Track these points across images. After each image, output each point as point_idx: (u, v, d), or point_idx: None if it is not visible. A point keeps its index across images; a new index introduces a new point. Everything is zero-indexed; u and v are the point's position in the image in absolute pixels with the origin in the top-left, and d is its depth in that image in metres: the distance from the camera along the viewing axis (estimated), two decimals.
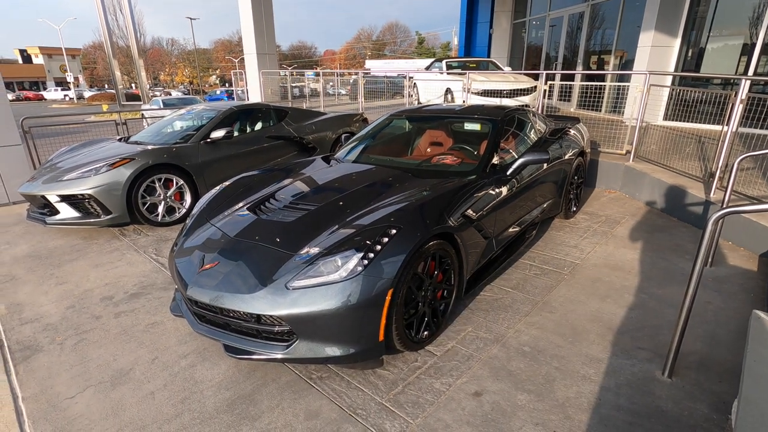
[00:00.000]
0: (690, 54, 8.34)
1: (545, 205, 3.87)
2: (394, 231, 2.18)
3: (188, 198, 4.75)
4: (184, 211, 4.73)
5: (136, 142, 5.10)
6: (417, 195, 2.58)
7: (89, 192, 4.14)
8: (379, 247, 2.10)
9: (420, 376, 2.24)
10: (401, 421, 1.95)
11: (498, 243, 3.15)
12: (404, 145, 3.93)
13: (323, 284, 2.01)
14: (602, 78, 9.46)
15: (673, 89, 6.87)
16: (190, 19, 44.66)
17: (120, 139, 5.42)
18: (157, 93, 45.14)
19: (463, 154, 3.46)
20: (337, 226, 2.33)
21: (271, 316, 2.05)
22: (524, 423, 1.92)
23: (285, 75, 12.29)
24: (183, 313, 2.46)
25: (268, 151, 5.52)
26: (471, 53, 16.57)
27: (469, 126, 3.64)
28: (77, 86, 51.18)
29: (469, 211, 2.67)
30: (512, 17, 14.31)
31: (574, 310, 2.81)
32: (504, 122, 3.46)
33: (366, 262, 2.05)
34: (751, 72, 7.33)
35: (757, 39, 7.29)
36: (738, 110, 4.11)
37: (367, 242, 2.12)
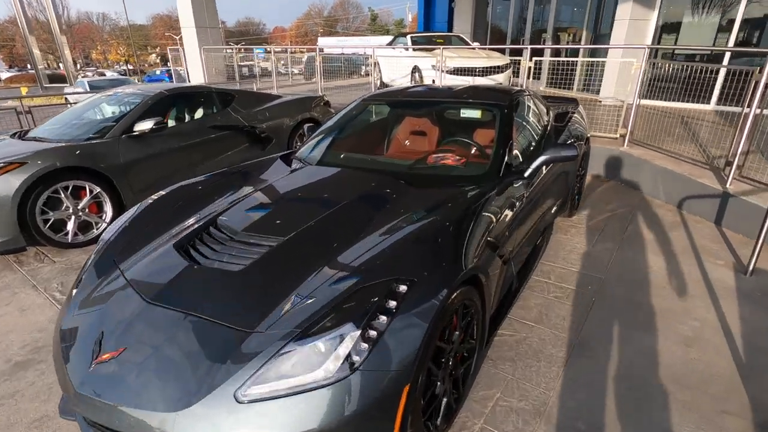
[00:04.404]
0: (667, 28, 8.00)
1: (556, 207, 3.25)
2: (404, 288, 1.42)
3: (109, 210, 3.73)
4: (104, 225, 3.72)
5: (34, 139, 3.97)
6: (423, 219, 1.83)
7: None
8: (384, 319, 1.34)
9: None
10: None
11: (516, 265, 2.47)
12: (386, 140, 3.14)
13: (298, 392, 1.23)
14: (591, 52, 8.99)
15: (664, 64, 6.39)
16: None
17: (13, 135, 4.23)
18: (89, 73, 40.85)
19: (466, 151, 2.73)
20: (312, 278, 1.53)
21: None
22: None
23: (231, 52, 10.96)
24: (77, 419, 1.60)
25: (211, 144, 4.53)
26: (430, 28, 15.74)
27: (469, 113, 2.90)
28: None
29: (491, 235, 1.96)
30: None
31: (620, 355, 2.20)
32: (513, 108, 2.75)
33: (366, 346, 1.29)
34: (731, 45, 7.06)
35: (736, 13, 6.99)
36: (760, 89, 3.58)
37: (364, 311, 1.35)
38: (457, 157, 2.53)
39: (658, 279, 2.89)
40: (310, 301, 1.42)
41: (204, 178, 2.51)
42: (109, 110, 4.37)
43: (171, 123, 4.42)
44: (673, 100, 6.37)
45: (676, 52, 8.27)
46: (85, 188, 3.58)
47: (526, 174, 2.47)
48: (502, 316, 2.33)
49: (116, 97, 4.54)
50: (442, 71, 6.72)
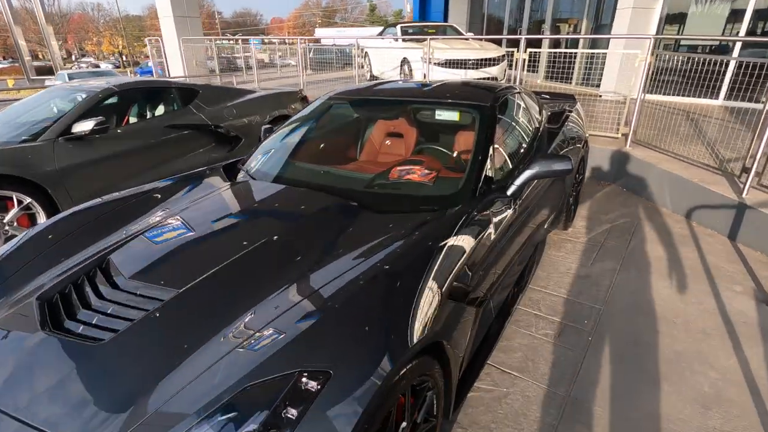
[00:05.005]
0: (672, 18, 7.51)
1: (548, 224, 2.81)
2: (314, 385, 0.99)
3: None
4: None
5: None
6: (365, 263, 1.38)
7: None
8: None
9: None
10: None
11: (496, 304, 2.04)
12: (349, 147, 2.69)
13: None
14: (591, 43, 8.50)
15: (668, 56, 5.91)
16: None
17: None
18: (83, 65, 40.12)
19: (438, 162, 2.28)
20: (191, 360, 1.09)
21: None
22: None
23: (223, 43, 10.45)
24: None
25: (167, 146, 4.08)
26: (426, 19, 15.19)
27: (445, 115, 2.45)
28: None
29: (461, 278, 1.52)
30: None
31: (623, 420, 1.77)
32: (496, 109, 2.29)
33: None
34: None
35: (747, 2, 6.49)
36: None
37: (252, 422, 0.92)
38: (426, 171, 2.08)
39: (667, 311, 2.46)
40: (177, 405, 0.99)
41: (116, 197, 2.06)
42: (52, 108, 3.91)
43: (120, 122, 3.97)
44: (678, 95, 5.90)
45: (681, 43, 7.79)
46: (12, 199, 3.14)
47: (510, 191, 2.03)
48: (477, 368, 1.91)
49: (62, 93, 4.07)
50: (431, 63, 6.23)
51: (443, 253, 1.49)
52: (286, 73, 12.76)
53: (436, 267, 1.42)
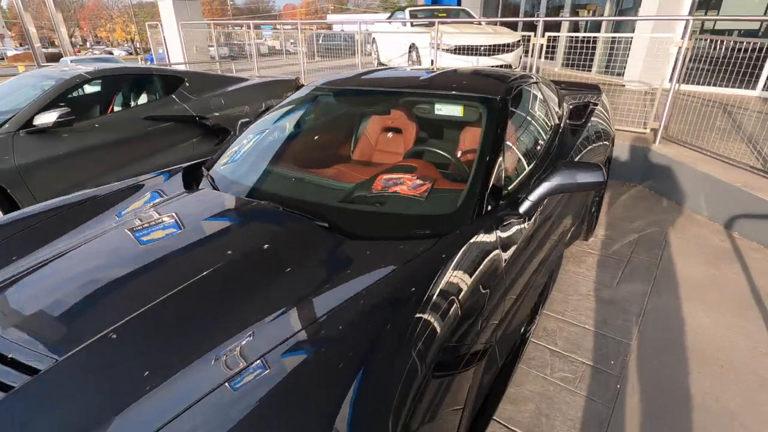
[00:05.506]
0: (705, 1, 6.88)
1: (569, 236, 2.39)
2: None
3: None
4: None
5: None
6: (312, 327, 1.00)
7: None
8: None
9: None
10: None
11: (503, 347, 1.65)
12: (332, 148, 2.29)
13: None
14: (615, 27, 7.91)
15: (701, 42, 5.33)
16: None
17: None
18: (97, 52, 40.25)
19: (436, 168, 1.87)
20: None
21: None
22: None
23: (235, 29, 10.03)
24: None
25: (145, 140, 3.72)
26: (438, 4, 14.56)
27: (446, 110, 2.03)
28: (2, 44, 45.07)
29: (455, 339, 1.13)
30: None
31: None
32: (508, 103, 1.87)
33: None
34: None
35: None
36: None
37: None
38: (418, 182, 1.67)
39: (710, 349, 2.04)
40: None
41: (41, 209, 1.69)
42: (18, 97, 3.57)
43: (92, 113, 3.63)
44: (709, 84, 5.31)
45: (714, 27, 7.17)
46: None
47: (523, 208, 1.61)
48: (481, 427, 1.53)
49: (32, 81, 3.72)
50: (439, 49, 5.76)
51: (430, 306, 1.10)
52: (292, 59, 12.33)
53: (419, 329, 1.03)
